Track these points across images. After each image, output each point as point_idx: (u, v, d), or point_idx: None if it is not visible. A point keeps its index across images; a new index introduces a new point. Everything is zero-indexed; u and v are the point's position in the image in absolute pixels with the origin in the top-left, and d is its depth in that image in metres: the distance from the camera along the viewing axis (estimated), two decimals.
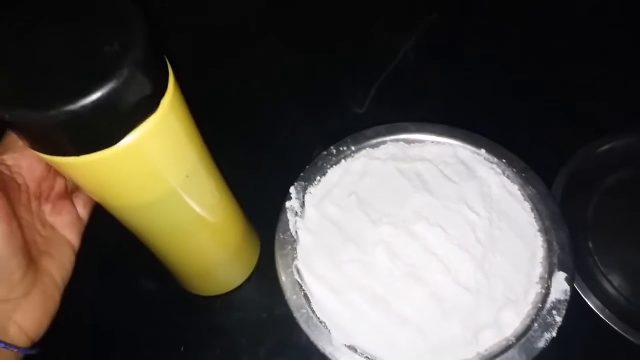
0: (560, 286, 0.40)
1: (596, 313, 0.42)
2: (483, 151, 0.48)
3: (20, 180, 0.32)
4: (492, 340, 0.39)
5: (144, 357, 0.48)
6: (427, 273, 0.41)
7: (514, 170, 0.47)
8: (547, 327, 0.39)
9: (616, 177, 0.51)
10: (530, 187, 0.46)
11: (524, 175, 0.46)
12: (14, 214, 0.30)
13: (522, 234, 0.43)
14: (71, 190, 0.37)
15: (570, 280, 0.40)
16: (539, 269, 0.42)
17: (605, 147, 0.51)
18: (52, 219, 0.35)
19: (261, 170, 0.58)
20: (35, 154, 0.27)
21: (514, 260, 0.42)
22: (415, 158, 0.49)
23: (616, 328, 0.41)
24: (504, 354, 0.38)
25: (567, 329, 0.40)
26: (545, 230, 0.44)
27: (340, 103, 0.62)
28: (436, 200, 0.45)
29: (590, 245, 0.48)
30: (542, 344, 0.38)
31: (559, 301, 0.40)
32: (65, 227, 0.36)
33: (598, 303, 0.43)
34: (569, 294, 0.40)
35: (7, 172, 0.32)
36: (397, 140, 0.50)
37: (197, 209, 0.37)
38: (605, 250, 0.47)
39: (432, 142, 0.50)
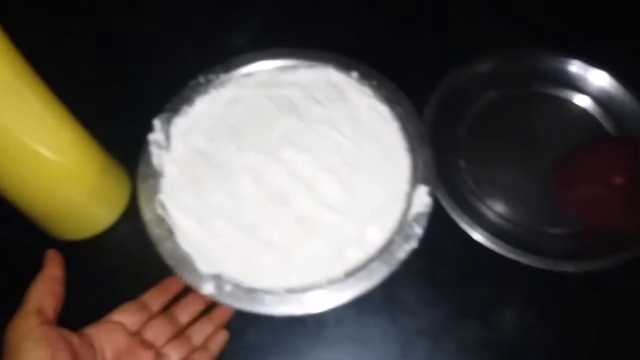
0: (422, 199, 0.41)
1: (463, 227, 0.43)
2: (355, 74, 0.47)
3: (97, 347, 0.33)
4: (357, 256, 0.39)
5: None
6: (293, 196, 0.41)
7: (384, 91, 0.46)
8: (407, 239, 0.39)
9: (487, 97, 0.51)
10: (399, 108, 0.46)
11: (393, 96, 0.46)
12: None
13: (389, 154, 0.44)
14: None
15: (431, 193, 0.41)
16: (404, 186, 0.42)
17: (476, 69, 0.51)
18: None
19: (128, 103, 0.54)
20: (120, 329, 0.34)
21: (380, 179, 0.42)
22: (287, 84, 0.48)
23: (485, 242, 0.42)
24: (366, 267, 0.38)
25: (435, 242, 0.41)
26: (412, 149, 0.44)
27: (222, 31, 0.59)
28: (305, 124, 0.44)
29: (462, 163, 0.49)
30: (401, 254, 0.38)
31: (420, 214, 0.40)
32: None
33: (466, 218, 0.44)
34: (429, 206, 0.40)
35: (81, 338, 0.32)
36: (269, 67, 0.49)
37: (25, 138, 0.34)
38: (475, 168, 0.48)
39: (305, 67, 0.48)
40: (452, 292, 0.43)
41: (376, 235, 0.40)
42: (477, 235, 0.43)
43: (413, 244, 0.39)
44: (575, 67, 0.50)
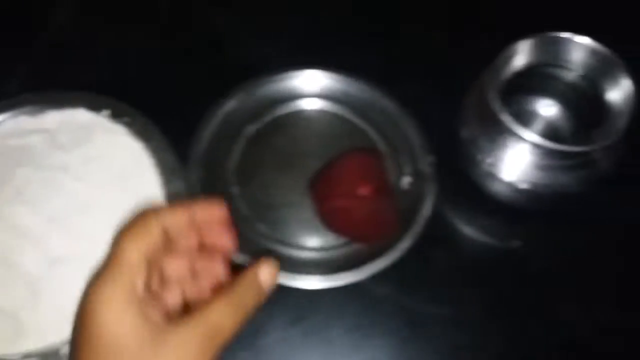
0: None
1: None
2: (106, 112, 0.45)
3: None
4: None
5: None
6: (18, 255, 0.37)
7: (138, 127, 0.45)
8: None
9: (259, 121, 0.50)
10: (154, 143, 0.44)
11: (147, 131, 0.44)
12: None
13: (140, 192, 0.42)
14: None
15: None
16: None
17: (240, 97, 0.50)
18: None
19: None
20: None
21: (120, 222, 0.40)
22: (32, 130, 0.44)
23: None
24: None
25: None
26: (166, 184, 0.42)
27: None
28: (40, 174, 0.41)
29: (234, 190, 0.48)
30: None
31: None
32: None
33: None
34: None
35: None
36: (15, 115, 0.45)
37: None
38: (249, 193, 0.47)
39: (54, 110, 0.45)
40: None
41: None
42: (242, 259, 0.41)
43: None
44: (335, 80, 0.50)
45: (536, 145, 0.37)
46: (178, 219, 0.28)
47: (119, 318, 0.24)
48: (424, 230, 0.41)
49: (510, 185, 0.40)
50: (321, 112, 0.49)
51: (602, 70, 0.39)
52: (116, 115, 0.45)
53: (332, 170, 0.42)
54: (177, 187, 0.42)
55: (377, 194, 0.40)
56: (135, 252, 0.26)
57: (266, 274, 0.28)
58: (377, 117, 0.48)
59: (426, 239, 0.42)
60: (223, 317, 0.25)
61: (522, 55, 0.40)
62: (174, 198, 0.41)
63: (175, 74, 0.50)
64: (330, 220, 0.42)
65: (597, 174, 0.39)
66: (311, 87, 0.49)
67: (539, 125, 0.45)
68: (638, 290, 0.41)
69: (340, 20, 0.54)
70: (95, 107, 0.45)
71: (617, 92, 0.38)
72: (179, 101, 0.48)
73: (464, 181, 0.43)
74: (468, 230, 0.44)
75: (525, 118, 0.45)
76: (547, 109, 0.45)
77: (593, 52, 0.39)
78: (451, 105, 0.43)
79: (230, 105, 0.47)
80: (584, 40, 0.39)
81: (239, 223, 0.43)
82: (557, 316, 0.40)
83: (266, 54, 0.51)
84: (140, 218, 0.27)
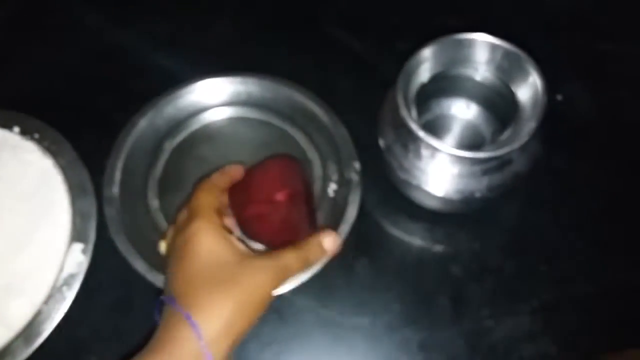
0: (76, 259, 0.38)
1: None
2: (16, 129, 0.43)
3: None
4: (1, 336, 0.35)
5: None
6: None
7: (47, 143, 0.43)
8: (56, 306, 0.36)
9: (184, 131, 0.49)
10: (62, 160, 0.42)
11: (57, 147, 0.43)
12: None
13: (48, 212, 0.40)
14: None
15: (85, 250, 0.38)
16: (60, 245, 0.39)
17: (163, 108, 0.48)
18: None
19: None
20: None
21: (31, 244, 0.38)
22: None
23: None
24: (8, 349, 0.34)
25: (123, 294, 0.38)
26: (74, 202, 0.41)
27: None
28: None
29: (153, 204, 0.46)
30: (48, 327, 0.35)
31: (71, 275, 0.37)
32: None
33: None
34: (84, 265, 0.37)
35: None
36: None
37: None
38: (171, 205, 0.46)
39: None
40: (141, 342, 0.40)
41: (23, 309, 0.36)
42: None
43: (63, 310, 0.36)
44: (261, 86, 0.49)
45: (448, 153, 0.36)
46: (226, 181, 0.38)
47: (216, 242, 0.32)
48: (348, 237, 0.41)
49: (426, 192, 0.39)
50: (247, 120, 0.48)
51: (511, 68, 0.38)
52: (26, 132, 0.43)
53: (251, 177, 0.41)
54: (86, 203, 0.40)
55: (292, 200, 0.39)
56: (212, 201, 0.35)
57: (329, 240, 0.35)
58: (305, 124, 0.47)
59: (350, 246, 0.41)
60: (292, 262, 0.33)
61: (431, 61, 0.39)
62: (82, 214, 0.40)
63: (87, 87, 0.48)
64: (247, 228, 0.41)
65: (512, 173, 0.38)
66: (237, 95, 0.47)
67: (458, 128, 0.44)
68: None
69: (260, 26, 0.53)
70: (4, 124, 0.44)
71: (527, 89, 0.38)
72: (90, 116, 0.46)
73: (387, 188, 0.42)
74: (392, 236, 0.43)
75: (445, 122, 0.45)
76: (465, 111, 0.44)
77: (500, 51, 0.38)
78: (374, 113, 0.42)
79: (144, 121, 0.45)
80: (489, 39, 0.38)
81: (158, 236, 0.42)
82: (477, 321, 0.40)
83: (192, 62, 0.49)
84: (207, 181, 0.37)
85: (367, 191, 0.43)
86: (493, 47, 0.38)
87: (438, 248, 0.43)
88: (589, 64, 0.50)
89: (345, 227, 0.41)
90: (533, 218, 0.43)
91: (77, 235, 0.39)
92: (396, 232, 0.44)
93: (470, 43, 0.38)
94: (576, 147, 0.46)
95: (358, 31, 0.52)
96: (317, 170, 0.45)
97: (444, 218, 0.43)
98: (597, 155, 0.46)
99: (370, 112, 0.41)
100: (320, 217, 0.43)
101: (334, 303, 0.41)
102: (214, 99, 0.46)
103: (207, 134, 0.47)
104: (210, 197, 0.36)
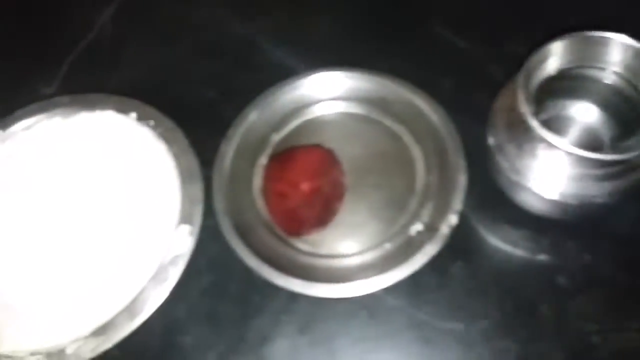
0: (183, 240, 0.40)
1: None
2: (133, 114, 0.47)
3: None
4: (110, 309, 0.38)
5: None
6: (32, 253, 0.40)
7: (161, 130, 0.46)
8: (160, 284, 0.38)
9: (290, 124, 0.49)
10: (175, 146, 0.45)
11: (170, 134, 0.46)
12: None
13: (160, 195, 0.43)
14: None
15: (192, 233, 0.40)
16: (169, 227, 0.41)
17: (272, 101, 0.49)
18: None
19: None
20: None
21: (145, 223, 0.41)
22: (64, 132, 0.47)
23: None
24: (113, 322, 0.37)
25: (220, 279, 0.40)
26: (183, 186, 0.43)
27: (26, 82, 0.57)
28: (69, 172, 0.43)
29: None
30: (154, 303, 0.37)
31: (177, 256, 0.39)
32: None
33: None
34: (190, 246, 0.40)
35: None
36: (51, 116, 0.48)
37: None
38: None
39: (86, 111, 0.48)
40: (233, 328, 0.41)
41: (131, 284, 0.39)
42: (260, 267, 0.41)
43: (167, 289, 0.38)
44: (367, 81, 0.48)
45: (568, 153, 0.34)
46: None
47: None
48: (446, 240, 0.40)
49: (538, 195, 0.37)
50: (354, 115, 0.47)
51: None
52: (142, 119, 0.47)
53: (294, 155, 0.43)
54: (195, 188, 0.43)
55: (312, 194, 0.40)
56: None
57: None
58: (411, 122, 0.46)
59: (447, 249, 0.40)
60: None
61: (556, 57, 0.37)
62: (190, 198, 0.42)
63: (200, 78, 0.50)
64: (266, 196, 0.43)
65: (632, 183, 0.35)
66: (345, 89, 0.47)
67: (576, 131, 0.42)
68: None
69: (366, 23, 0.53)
70: (123, 109, 0.47)
71: None
72: (204, 106, 0.49)
73: (491, 189, 0.41)
74: (492, 241, 0.42)
75: (561, 124, 0.42)
76: (584, 113, 0.41)
77: (633, 52, 0.35)
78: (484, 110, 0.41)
79: (255, 113, 0.46)
80: (623, 39, 0.35)
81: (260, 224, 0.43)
82: (582, 336, 0.37)
83: (299, 56, 0.50)
84: None
85: (468, 193, 0.41)
86: (625, 48, 0.35)
87: (543, 257, 0.40)
88: None
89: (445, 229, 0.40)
90: None
91: (185, 217, 0.41)
92: (496, 236, 0.42)
93: (601, 41, 0.36)
94: None
95: (465, 31, 0.50)
96: (419, 167, 0.44)
97: (550, 225, 0.40)
98: None
99: (477, 112, 0.40)
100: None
101: (426, 305, 0.40)
102: (322, 93, 0.47)
103: (313, 127, 0.47)
104: None
